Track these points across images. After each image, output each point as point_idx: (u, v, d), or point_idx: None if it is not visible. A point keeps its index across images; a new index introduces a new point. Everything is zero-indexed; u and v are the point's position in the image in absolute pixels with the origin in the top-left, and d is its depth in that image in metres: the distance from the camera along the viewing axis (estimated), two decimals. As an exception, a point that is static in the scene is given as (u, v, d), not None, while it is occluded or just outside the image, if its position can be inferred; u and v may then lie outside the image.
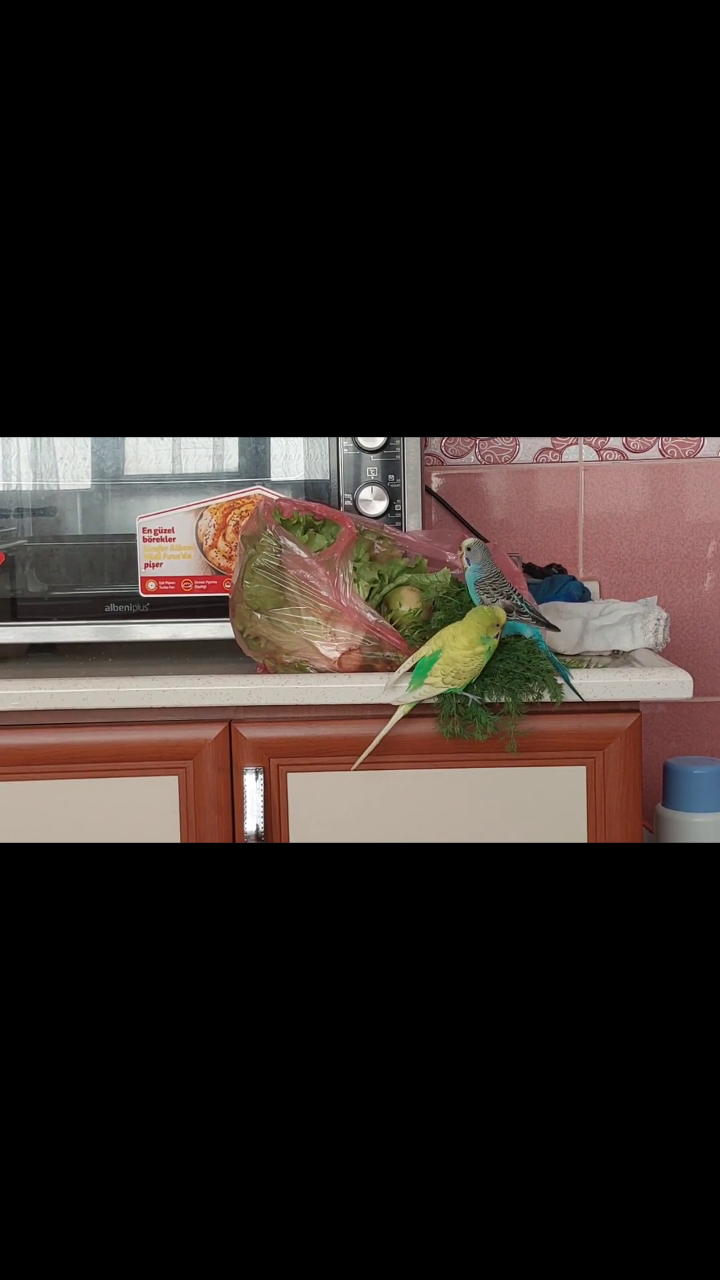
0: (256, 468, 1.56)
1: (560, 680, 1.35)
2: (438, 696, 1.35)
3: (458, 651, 1.33)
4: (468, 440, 1.94)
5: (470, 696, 1.35)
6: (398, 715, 1.36)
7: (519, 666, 1.36)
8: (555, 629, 1.43)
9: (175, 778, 1.39)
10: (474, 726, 1.35)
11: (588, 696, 1.36)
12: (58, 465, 1.56)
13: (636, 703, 1.39)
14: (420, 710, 1.37)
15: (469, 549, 1.41)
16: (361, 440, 1.52)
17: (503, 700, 1.35)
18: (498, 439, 1.93)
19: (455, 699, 1.35)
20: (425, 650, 1.35)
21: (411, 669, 1.36)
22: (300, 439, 1.55)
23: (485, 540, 1.85)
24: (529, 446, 1.93)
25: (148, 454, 1.56)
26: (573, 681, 1.36)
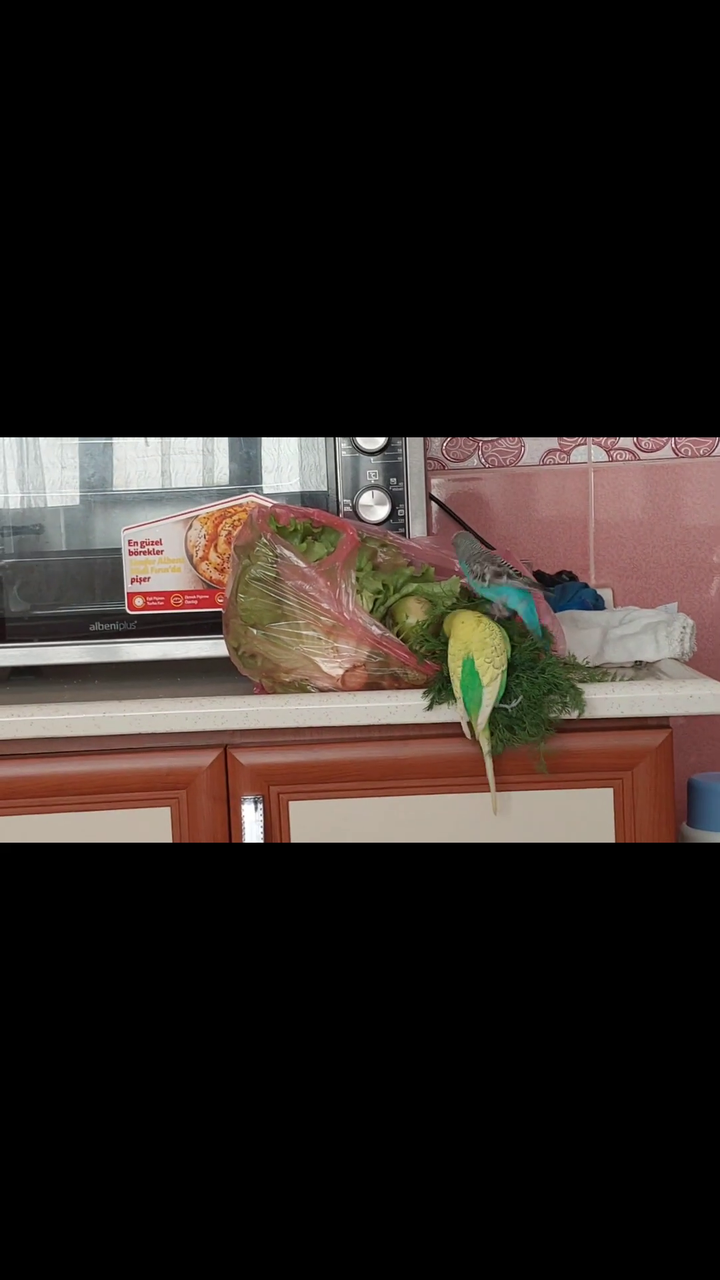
0: (249, 474, 1.51)
1: (580, 687, 1.28)
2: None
3: (478, 637, 1.27)
4: (470, 443, 1.87)
5: (506, 708, 1.28)
6: (485, 744, 1.28)
7: (538, 678, 1.28)
8: (548, 591, 1.39)
9: (168, 809, 1.34)
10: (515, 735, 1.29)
11: (614, 713, 1.29)
12: (45, 479, 1.52)
13: (666, 718, 1.32)
14: (436, 731, 1.31)
15: (454, 543, 1.39)
16: (361, 442, 1.47)
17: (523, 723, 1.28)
18: (502, 441, 1.86)
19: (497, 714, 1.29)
20: (454, 672, 1.28)
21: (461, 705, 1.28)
22: (295, 442, 1.50)
23: (491, 548, 1.79)
24: (534, 448, 1.86)
25: (135, 466, 1.51)
26: (565, 645, 1.33)
